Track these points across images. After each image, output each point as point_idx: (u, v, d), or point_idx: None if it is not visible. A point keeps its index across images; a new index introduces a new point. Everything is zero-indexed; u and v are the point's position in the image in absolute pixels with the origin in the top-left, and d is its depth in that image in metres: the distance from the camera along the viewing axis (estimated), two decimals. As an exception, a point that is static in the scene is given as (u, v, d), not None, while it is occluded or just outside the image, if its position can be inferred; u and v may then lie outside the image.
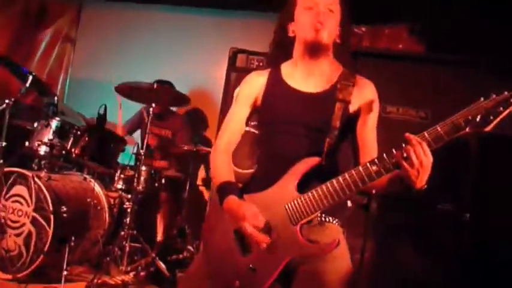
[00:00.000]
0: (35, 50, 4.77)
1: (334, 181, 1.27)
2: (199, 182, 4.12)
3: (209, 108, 4.33)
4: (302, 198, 1.30)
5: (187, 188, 3.48)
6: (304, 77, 1.47)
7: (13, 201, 2.73)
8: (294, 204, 1.30)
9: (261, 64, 2.75)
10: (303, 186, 1.33)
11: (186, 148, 3.47)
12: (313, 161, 1.34)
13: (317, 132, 1.40)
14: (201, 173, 4.14)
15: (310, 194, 1.29)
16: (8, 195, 2.76)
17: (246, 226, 1.28)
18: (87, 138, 2.95)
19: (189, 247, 3.37)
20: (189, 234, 3.45)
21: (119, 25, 4.84)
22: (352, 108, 1.43)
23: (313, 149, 1.37)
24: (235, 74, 2.83)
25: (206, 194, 4.01)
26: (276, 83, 1.51)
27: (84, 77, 4.84)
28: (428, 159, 1.16)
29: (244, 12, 4.52)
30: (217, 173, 1.48)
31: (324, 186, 1.28)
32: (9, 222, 2.71)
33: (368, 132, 1.45)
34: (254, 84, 1.54)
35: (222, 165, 1.49)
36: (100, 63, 4.77)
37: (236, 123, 1.54)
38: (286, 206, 1.31)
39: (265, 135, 1.51)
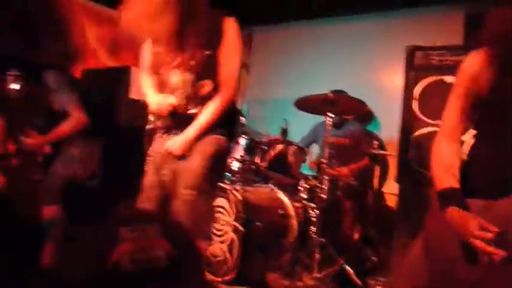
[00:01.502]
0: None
1: None
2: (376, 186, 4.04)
3: (386, 110, 4.25)
4: None
5: (370, 194, 3.43)
6: None
7: (217, 212, 3.09)
8: None
9: (443, 58, 2.59)
10: None
11: (365, 154, 3.44)
12: None
13: None
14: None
15: None
16: (212, 207, 3.14)
17: (473, 241, 1.17)
18: (272, 152, 3.17)
19: (376, 255, 3.31)
20: (375, 242, 3.39)
21: (287, 44, 5.13)
22: None
23: None
24: (414, 72, 2.72)
25: (388, 200, 3.90)
26: None
27: (259, 97, 5.23)
28: None
29: (411, 10, 4.34)
30: (438, 169, 1.37)
31: None
32: (214, 231, 3.07)
33: None
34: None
35: (445, 159, 1.38)
36: (274, 82, 5.12)
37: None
38: None
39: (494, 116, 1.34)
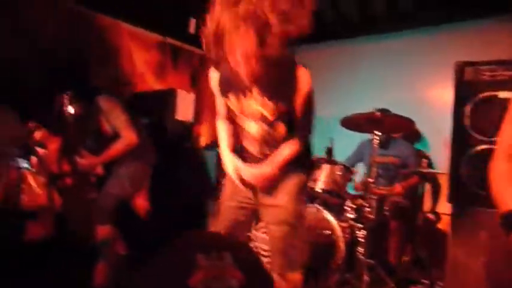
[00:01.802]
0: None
1: None
2: (427, 208, 3.91)
3: (434, 128, 4.15)
4: None
5: (420, 214, 3.33)
6: None
7: (262, 232, 3.10)
8: None
9: (495, 74, 2.52)
10: None
11: (415, 173, 3.36)
12: None
13: None
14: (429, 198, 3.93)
15: None
16: (258, 227, 3.15)
17: None
18: (318, 172, 3.15)
19: (427, 278, 3.20)
20: (427, 264, 3.27)
21: (329, 63, 5.13)
22: None
23: None
24: (464, 88, 2.65)
25: (440, 220, 3.77)
26: None
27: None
28: None
29: (457, 24, 4.26)
30: (499, 191, 1.33)
31: None
32: (261, 251, 3.07)
33: None
34: None
35: (506, 180, 1.33)
36: (317, 101, 5.10)
37: None
38: None
39: None
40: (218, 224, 2.07)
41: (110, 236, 2.94)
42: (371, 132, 3.05)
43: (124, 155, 3.03)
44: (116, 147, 2.98)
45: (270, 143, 2.00)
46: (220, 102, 2.08)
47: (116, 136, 3.02)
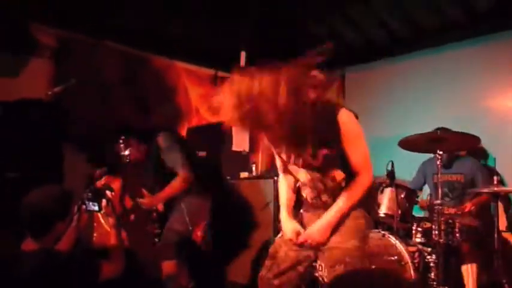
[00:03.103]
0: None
1: None
2: (502, 227, 3.65)
3: (500, 142, 3.94)
4: None
5: (494, 236, 3.11)
6: None
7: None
8: None
9: None
10: None
11: (484, 192, 3.17)
12: None
13: None
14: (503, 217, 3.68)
15: None
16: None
17: None
18: (380, 196, 3.06)
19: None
20: (506, 290, 3.03)
21: (379, 81, 5.05)
22: None
23: None
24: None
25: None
26: None
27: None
28: None
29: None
30: None
31: None
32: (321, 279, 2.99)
33: None
34: None
35: None
36: (370, 122, 5.01)
37: None
38: None
39: None
40: (273, 269, 2.02)
41: (175, 271, 3.00)
42: (433, 152, 2.93)
43: (182, 192, 3.11)
44: (173, 186, 3.08)
45: (325, 190, 1.98)
46: (276, 156, 2.13)
47: (173, 173, 3.12)
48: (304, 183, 2.03)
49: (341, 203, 1.92)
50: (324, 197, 1.99)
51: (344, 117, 1.84)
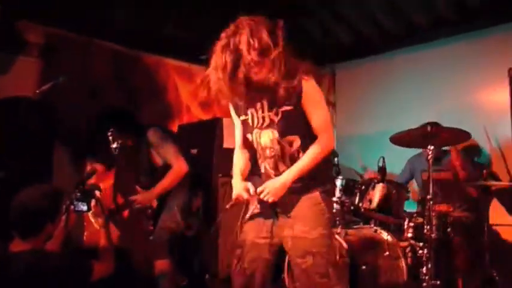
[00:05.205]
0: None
1: None
2: (492, 221, 3.68)
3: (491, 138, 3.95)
4: None
5: (486, 229, 3.14)
6: None
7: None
8: None
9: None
10: None
11: (474, 186, 3.19)
12: None
13: None
14: (494, 211, 3.70)
15: None
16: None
17: None
18: (372, 192, 3.07)
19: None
20: (497, 282, 3.06)
21: (370, 78, 5.05)
22: None
23: None
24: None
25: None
26: None
27: (348, 134, 5.14)
28: None
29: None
30: None
31: None
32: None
33: None
34: None
35: None
36: (361, 118, 5.03)
37: None
38: None
39: None
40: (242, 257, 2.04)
41: (167, 269, 2.98)
42: (423, 147, 2.94)
43: (176, 186, 3.07)
44: (169, 178, 3.03)
45: (282, 158, 1.99)
46: (238, 132, 2.16)
47: (165, 168, 3.08)
48: (264, 150, 2.02)
49: (301, 163, 1.95)
50: (282, 167, 2.00)
51: (308, 81, 1.93)
